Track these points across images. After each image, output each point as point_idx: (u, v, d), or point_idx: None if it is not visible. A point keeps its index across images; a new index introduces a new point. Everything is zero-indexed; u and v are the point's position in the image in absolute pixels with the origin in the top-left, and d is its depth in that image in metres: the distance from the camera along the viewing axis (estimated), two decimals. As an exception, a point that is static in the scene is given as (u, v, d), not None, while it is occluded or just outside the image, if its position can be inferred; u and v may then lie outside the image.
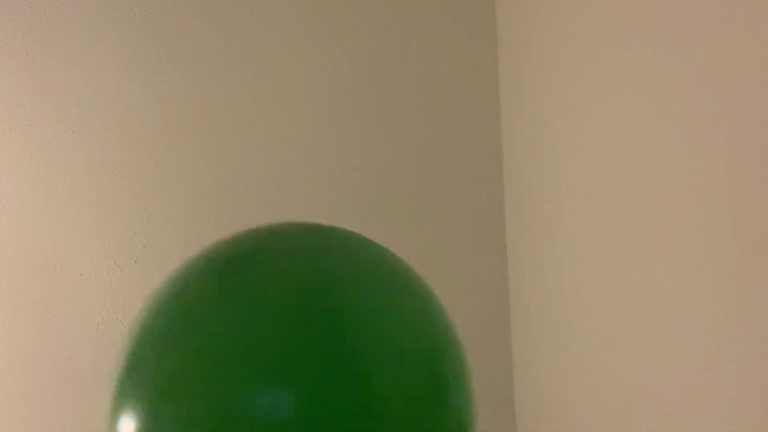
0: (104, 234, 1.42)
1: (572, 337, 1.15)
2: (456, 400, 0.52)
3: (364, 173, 1.48)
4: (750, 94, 0.68)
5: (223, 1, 1.49)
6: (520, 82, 1.41)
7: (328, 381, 0.45)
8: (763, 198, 0.66)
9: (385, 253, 0.58)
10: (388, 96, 1.50)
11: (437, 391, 0.51)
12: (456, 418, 0.52)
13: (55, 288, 1.40)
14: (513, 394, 1.45)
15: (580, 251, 1.11)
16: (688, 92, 0.79)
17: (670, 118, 0.83)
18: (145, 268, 1.42)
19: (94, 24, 1.46)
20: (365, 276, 0.54)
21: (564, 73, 1.16)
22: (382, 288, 0.54)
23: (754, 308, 0.68)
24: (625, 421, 0.96)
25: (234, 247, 0.55)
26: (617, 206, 0.98)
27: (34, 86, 1.43)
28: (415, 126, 1.50)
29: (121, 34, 1.46)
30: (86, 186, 1.43)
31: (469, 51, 1.53)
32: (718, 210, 0.73)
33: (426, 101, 1.51)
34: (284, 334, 0.46)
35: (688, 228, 0.79)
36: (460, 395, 0.53)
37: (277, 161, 1.47)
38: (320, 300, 0.49)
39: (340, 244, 0.58)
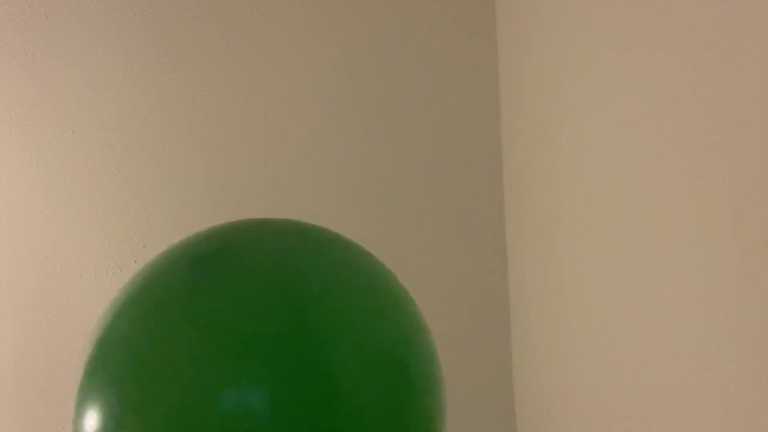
0: (104, 234, 1.42)
1: (572, 337, 1.15)
2: (423, 388, 0.53)
3: (363, 173, 1.48)
4: (750, 94, 0.68)
5: (223, 1, 1.49)
6: (520, 82, 1.41)
7: (294, 375, 0.45)
8: (763, 198, 0.66)
9: (353, 248, 0.58)
10: (388, 96, 1.50)
11: (403, 380, 0.51)
12: (424, 406, 0.52)
13: (55, 288, 1.40)
14: (513, 394, 1.45)
15: (580, 251, 1.11)
16: (688, 92, 0.79)
17: (670, 118, 0.83)
18: (145, 268, 1.42)
19: (94, 24, 1.46)
20: (331, 271, 0.54)
21: (564, 73, 1.16)
22: (348, 282, 0.54)
23: (754, 308, 0.68)
24: (625, 421, 0.96)
25: (200, 245, 0.55)
26: (617, 206, 0.98)
27: (34, 86, 1.43)
28: (414, 126, 1.50)
29: (121, 34, 1.46)
30: (86, 186, 1.43)
31: (469, 51, 1.53)
32: (718, 210, 0.73)
33: (426, 101, 1.51)
34: (251, 331, 0.46)
35: (688, 228, 0.79)
36: (428, 383, 0.53)
37: (277, 161, 1.47)
38: (287, 296, 0.49)
39: (308, 240, 0.58)
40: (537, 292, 1.33)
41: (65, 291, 1.40)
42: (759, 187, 0.67)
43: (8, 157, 1.42)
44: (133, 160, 1.44)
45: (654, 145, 0.87)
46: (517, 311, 1.44)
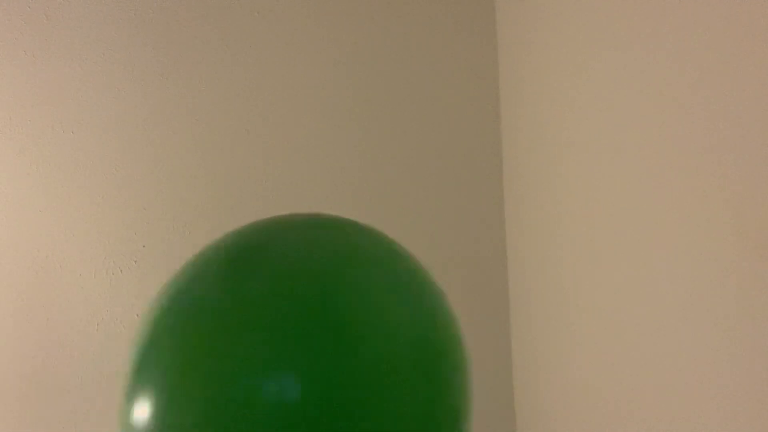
0: (104, 234, 1.42)
1: (572, 337, 1.15)
2: (456, 386, 0.55)
3: (363, 174, 1.48)
4: (750, 94, 0.68)
5: (223, 2, 1.49)
6: (520, 82, 1.41)
7: (330, 365, 0.48)
8: (763, 198, 0.66)
9: (387, 242, 0.61)
10: (388, 96, 1.50)
11: (438, 375, 0.53)
12: (455, 404, 0.54)
13: (55, 288, 1.40)
14: (513, 394, 1.45)
15: (580, 251, 1.11)
16: (688, 92, 0.79)
17: (670, 118, 0.83)
18: (145, 268, 1.42)
19: (94, 24, 1.46)
20: (367, 263, 0.57)
21: (564, 73, 1.16)
22: (383, 275, 0.56)
23: (754, 308, 0.68)
24: (625, 421, 0.96)
25: (240, 240, 0.58)
26: (617, 206, 0.98)
27: (34, 86, 1.43)
28: (414, 126, 1.50)
29: (121, 34, 1.46)
30: (86, 186, 1.43)
31: (469, 51, 1.53)
32: (719, 210, 0.73)
33: (426, 101, 1.51)
34: (289, 324, 0.49)
35: (689, 228, 0.79)
36: (460, 373, 0.56)
37: (277, 161, 1.47)
38: (324, 290, 0.51)
39: (344, 234, 0.60)
40: (537, 292, 1.32)
41: (65, 291, 1.40)
42: (759, 187, 0.67)
43: (8, 157, 1.42)
44: (133, 160, 1.44)
45: (654, 145, 0.87)
46: (517, 311, 1.44)
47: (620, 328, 0.97)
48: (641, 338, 0.91)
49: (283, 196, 1.46)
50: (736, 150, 0.70)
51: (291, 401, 0.46)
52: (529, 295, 1.37)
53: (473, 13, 1.53)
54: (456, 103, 1.51)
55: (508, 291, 1.48)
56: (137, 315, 1.40)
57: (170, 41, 1.47)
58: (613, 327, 1.00)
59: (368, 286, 0.54)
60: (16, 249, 1.40)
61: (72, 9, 1.45)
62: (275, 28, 1.49)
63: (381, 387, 0.49)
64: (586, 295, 1.09)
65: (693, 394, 0.79)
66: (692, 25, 0.78)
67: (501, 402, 1.44)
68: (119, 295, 1.41)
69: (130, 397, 0.49)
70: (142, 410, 0.48)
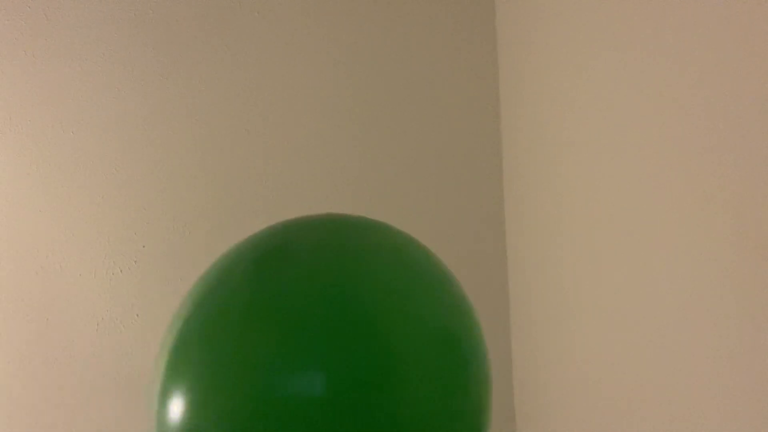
0: (104, 234, 1.42)
1: (572, 337, 1.15)
2: (478, 377, 0.56)
3: (363, 174, 1.48)
4: (750, 94, 0.68)
5: (223, 2, 1.49)
6: (520, 82, 1.41)
7: (355, 361, 0.49)
8: (763, 198, 0.66)
9: (406, 238, 0.62)
10: (388, 96, 1.50)
11: (461, 367, 0.54)
12: (478, 394, 0.55)
13: (54, 288, 1.40)
14: (513, 394, 1.45)
15: (579, 251, 1.11)
16: (688, 92, 0.79)
17: (670, 118, 0.83)
18: (144, 269, 1.42)
19: (94, 24, 1.46)
20: (387, 260, 0.58)
21: (564, 73, 1.16)
22: (404, 271, 0.58)
23: (754, 308, 0.68)
24: (624, 421, 0.96)
25: (264, 241, 0.60)
26: (617, 206, 0.98)
27: (34, 86, 1.43)
28: (414, 126, 1.50)
29: (121, 34, 1.46)
30: (86, 186, 1.43)
31: (469, 51, 1.53)
32: (719, 210, 0.73)
33: (426, 101, 1.51)
34: (314, 321, 0.50)
35: (689, 228, 0.79)
36: (482, 373, 0.57)
37: (277, 161, 1.47)
38: (347, 287, 0.53)
39: (363, 233, 0.62)
40: (537, 292, 1.32)
41: (65, 291, 1.40)
42: (759, 187, 0.67)
43: (8, 157, 1.42)
44: (133, 160, 1.44)
45: (654, 145, 0.87)
46: (517, 311, 1.44)
47: (620, 327, 0.97)
48: (641, 338, 0.91)
49: (283, 196, 1.46)
50: (736, 150, 0.70)
51: (317, 397, 0.48)
52: (529, 295, 1.37)
53: (473, 13, 1.53)
54: (456, 103, 1.51)
55: (508, 291, 1.48)
56: (137, 315, 1.40)
57: (170, 41, 1.47)
58: (612, 327, 1.00)
59: (390, 283, 0.55)
60: (16, 249, 1.40)
61: (72, 9, 1.45)
62: (275, 28, 1.49)
63: (405, 381, 0.50)
64: (586, 295, 1.09)
65: (693, 394, 0.79)
66: (692, 25, 0.78)
67: (501, 402, 1.44)
68: (119, 295, 1.41)
69: (164, 397, 0.51)
70: (175, 409, 0.50)
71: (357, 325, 0.51)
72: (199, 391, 0.50)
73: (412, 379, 0.51)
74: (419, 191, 1.49)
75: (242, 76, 1.48)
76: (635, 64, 0.91)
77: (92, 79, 1.45)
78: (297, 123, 1.48)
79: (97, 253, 1.42)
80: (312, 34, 1.50)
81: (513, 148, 1.45)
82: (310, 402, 0.48)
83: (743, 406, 0.70)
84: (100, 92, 1.45)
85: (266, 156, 1.47)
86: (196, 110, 1.46)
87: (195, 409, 0.49)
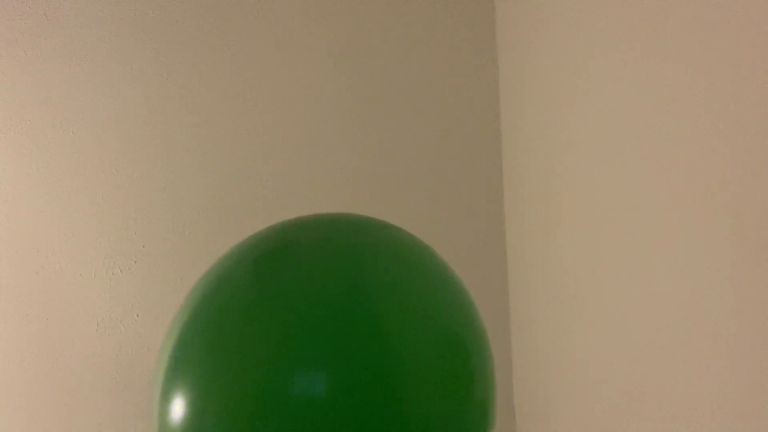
0: (103, 234, 1.42)
1: (572, 337, 1.15)
2: (483, 380, 0.56)
3: (363, 174, 1.48)
4: (750, 94, 0.68)
5: (223, 2, 1.49)
6: (520, 82, 1.41)
7: (358, 361, 0.49)
8: (763, 198, 0.66)
9: (410, 238, 0.62)
10: (388, 96, 1.50)
11: (466, 370, 0.54)
12: (483, 398, 0.55)
13: (54, 288, 1.40)
14: (513, 394, 1.45)
15: (579, 251, 1.11)
16: (688, 92, 0.79)
17: (670, 118, 0.83)
18: (144, 269, 1.42)
19: (93, 24, 1.46)
20: (391, 260, 0.58)
21: (564, 73, 1.16)
22: (408, 271, 0.57)
23: (754, 308, 0.68)
24: (624, 420, 0.96)
25: (266, 241, 0.60)
26: (617, 206, 0.98)
27: (34, 86, 1.43)
28: (414, 126, 1.50)
29: (121, 35, 1.46)
30: (86, 186, 1.43)
31: (469, 51, 1.53)
32: (718, 210, 0.73)
33: (426, 101, 1.51)
34: (317, 321, 0.50)
35: (689, 228, 0.79)
36: (485, 367, 0.57)
37: (277, 161, 1.47)
38: (350, 287, 0.53)
39: (367, 232, 0.62)
40: (537, 292, 1.32)
41: (65, 291, 1.40)
42: (759, 187, 0.67)
43: (8, 157, 1.42)
44: (133, 160, 1.44)
45: (654, 145, 0.87)
46: (517, 311, 1.44)
47: (620, 326, 0.97)
48: (640, 337, 0.91)
49: (283, 196, 1.46)
50: (736, 150, 0.70)
51: (319, 397, 0.48)
52: (528, 294, 1.37)
53: (473, 13, 1.53)
54: (456, 103, 1.51)
55: (508, 290, 1.48)
56: (137, 315, 1.40)
57: (170, 41, 1.47)
58: (612, 326, 1.00)
59: (391, 281, 0.55)
60: (16, 249, 1.40)
61: (72, 9, 1.45)
62: (275, 28, 1.49)
63: (408, 381, 0.50)
64: (586, 295, 1.09)
65: (692, 394, 0.79)
66: (692, 25, 0.78)
67: (501, 401, 1.44)
68: (119, 295, 1.41)
69: (164, 397, 0.51)
70: (176, 409, 0.50)
71: (358, 325, 0.50)
72: (200, 392, 0.50)
73: (414, 378, 0.50)
74: (419, 191, 1.49)
75: (242, 76, 1.48)
76: (635, 64, 0.91)
77: (92, 79, 1.45)
78: (296, 123, 1.48)
79: (97, 253, 1.42)
80: (312, 34, 1.50)
81: (513, 148, 1.45)
82: (312, 402, 0.47)
83: (743, 405, 0.70)
84: (100, 92, 1.45)
85: (266, 156, 1.47)
86: (195, 110, 1.46)
87: (196, 409, 0.49)
